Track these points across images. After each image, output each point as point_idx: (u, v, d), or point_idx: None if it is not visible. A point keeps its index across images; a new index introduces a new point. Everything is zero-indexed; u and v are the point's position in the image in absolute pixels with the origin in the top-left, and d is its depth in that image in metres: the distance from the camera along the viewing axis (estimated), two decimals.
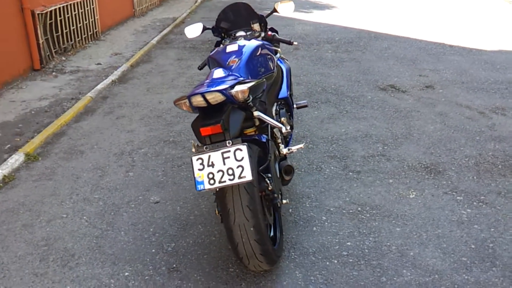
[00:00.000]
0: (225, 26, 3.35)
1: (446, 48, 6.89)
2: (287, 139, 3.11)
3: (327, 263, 2.49)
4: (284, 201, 2.54)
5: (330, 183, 3.28)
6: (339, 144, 3.87)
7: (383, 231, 2.74)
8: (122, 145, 3.95)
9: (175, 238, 2.72)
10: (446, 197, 3.08)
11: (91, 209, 3.03)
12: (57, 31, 6.61)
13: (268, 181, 2.30)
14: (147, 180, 3.37)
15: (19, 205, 3.08)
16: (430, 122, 4.28)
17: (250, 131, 2.60)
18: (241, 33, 3.31)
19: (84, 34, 7.51)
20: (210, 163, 1.99)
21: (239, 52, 2.81)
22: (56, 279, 2.41)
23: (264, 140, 2.51)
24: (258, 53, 2.86)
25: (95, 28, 7.92)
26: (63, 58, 6.64)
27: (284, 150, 2.77)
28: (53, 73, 6.00)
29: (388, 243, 2.64)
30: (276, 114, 2.94)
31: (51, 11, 6.36)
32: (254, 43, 2.88)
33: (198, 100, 2.03)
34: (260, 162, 2.42)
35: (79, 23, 7.28)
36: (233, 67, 2.74)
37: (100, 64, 6.50)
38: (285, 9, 3.39)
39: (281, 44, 3.46)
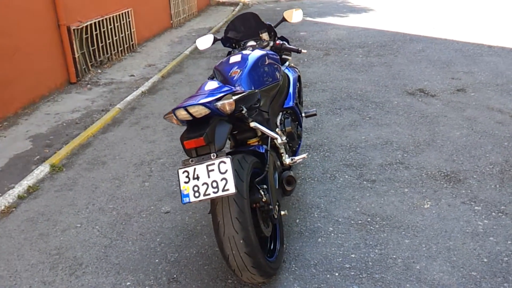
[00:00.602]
0: (234, 36, 3.37)
1: (484, 49, 6.57)
2: (294, 149, 3.08)
3: (328, 275, 2.43)
4: (282, 212, 2.51)
5: (342, 193, 3.20)
6: (357, 152, 3.78)
7: (391, 243, 2.65)
8: (142, 155, 4.05)
9: (179, 248, 2.75)
10: (463, 207, 2.93)
11: (104, 218, 3.13)
12: (93, 45, 6.89)
13: (263, 193, 2.28)
14: (161, 190, 3.43)
15: (39, 214, 3.22)
16: (456, 128, 4.09)
17: (253, 141, 2.60)
18: (251, 42, 3.32)
19: (120, 47, 7.78)
20: (195, 176, 2.01)
21: (242, 63, 2.82)
22: (55, 282, 2.50)
23: (262, 150, 2.50)
24: (261, 63, 2.85)
25: (131, 41, 8.19)
26: (99, 71, 6.91)
27: (287, 160, 2.75)
28: (88, 85, 6.26)
29: (394, 256, 2.54)
30: (280, 123, 2.92)
31: (86, 26, 6.64)
32: (257, 53, 2.88)
33: (182, 114, 2.05)
34: (258, 173, 2.41)
35: (115, 36, 7.55)
36: (235, 78, 2.75)
37: (133, 75, 6.71)
38: (294, 17, 3.38)
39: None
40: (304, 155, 2.83)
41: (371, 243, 2.66)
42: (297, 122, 3.17)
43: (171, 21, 10.42)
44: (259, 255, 2.14)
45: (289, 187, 2.65)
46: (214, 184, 1.98)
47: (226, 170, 1.99)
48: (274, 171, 2.55)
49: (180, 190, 2.03)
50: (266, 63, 2.91)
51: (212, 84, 2.31)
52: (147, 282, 2.49)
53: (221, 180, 1.98)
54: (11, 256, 2.79)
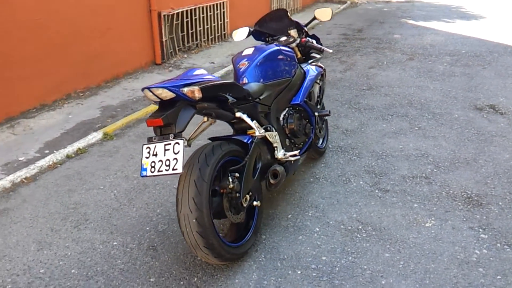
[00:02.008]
0: (265, 31, 3.45)
1: None
2: (298, 146, 3.09)
3: (289, 272, 2.45)
4: (255, 203, 2.57)
5: (348, 197, 3.13)
6: (385, 160, 3.64)
7: (369, 254, 2.56)
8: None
9: (171, 222, 2.95)
10: (468, 233, 2.70)
11: (125, 185, 3.45)
12: (182, 31, 7.39)
13: (231, 180, 2.37)
14: None
15: (76, 173, 3.66)
16: (509, 151, 3.71)
17: (251, 132, 2.69)
18: (283, 38, 3.38)
19: (211, 35, 8.21)
20: (154, 153, 2.17)
21: (251, 56, 2.91)
22: (63, 236, 2.85)
23: (246, 141, 2.58)
24: (271, 58, 2.92)
25: (224, 30, 8.59)
26: (185, 56, 7.41)
27: (279, 155, 2.78)
28: (170, 68, 6.76)
29: (365, 267, 2.46)
30: (283, 119, 2.95)
31: (178, 13, 7.15)
32: (268, 48, 2.95)
33: (148, 94, 2.21)
34: (237, 161, 2.51)
35: (207, 24, 7.99)
36: (241, 70, 2.87)
37: (213, 63, 7.07)
38: (323, 15, 3.38)
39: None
40: (295, 152, 2.85)
41: (349, 250, 2.60)
42: (306, 120, 3.16)
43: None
44: (212, 236, 2.24)
45: (273, 180, 2.69)
46: (167, 163, 2.13)
47: (178, 151, 2.12)
48: (258, 162, 2.61)
49: (141, 164, 2.21)
50: (278, 58, 2.96)
51: (197, 71, 2.44)
52: (130, 245, 2.73)
53: (173, 159, 2.12)
54: (39, 203, 3.23)
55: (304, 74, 3.21)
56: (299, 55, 3.37)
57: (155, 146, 2.18)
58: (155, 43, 6.76)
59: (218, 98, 2.43)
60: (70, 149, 4.02)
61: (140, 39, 6.51)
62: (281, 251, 2.61)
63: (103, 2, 5.70)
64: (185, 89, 2.18)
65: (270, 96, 2.85)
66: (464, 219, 2.84)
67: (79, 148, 4.05)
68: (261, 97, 2.77)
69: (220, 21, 8.42)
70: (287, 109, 3.00)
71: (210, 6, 7.97)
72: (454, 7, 11.89)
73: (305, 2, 12.64)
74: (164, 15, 6.82)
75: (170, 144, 2.15)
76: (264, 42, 3.49)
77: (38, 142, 4.23)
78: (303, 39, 3.33)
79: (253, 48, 3.02)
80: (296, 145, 3.07)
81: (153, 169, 2.16)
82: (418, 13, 10.87)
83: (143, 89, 2.21)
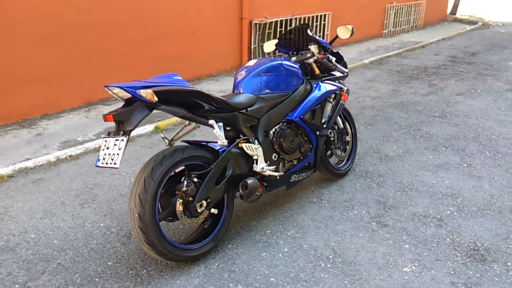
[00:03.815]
0: (286, 45, 3.42)
1: None
2: (292, 163, 3.01)
3: (231, 285, 2.41)
4: (212, 210, 2.58)
5: (338, 224, 2.96)
6: (405, 194, 3.33)
7: (320, 286, 2.40)
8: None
9: None
10: (445, 287, 2.37)
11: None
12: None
13: (186, 183, 2.43)
14: None
15: None
16: None
17: (243, 141, 2.73)
18: (306, 52, 3.33)
19: None
20: (107, 146, 2.33)
21: (251, 68, 2.94)
22: (67, 210, 3.18)
23: (217, 149, 2.62)
24: (270, 72, 2.91)
25: None
26: None
27: (257, 168, 2.75)
28: None
29: None
30: (274, 133, 2.90)
31: (271, 22, 7.32)
32: (269, 61, 2.94)
33: (108, 92, 2.36)
34: (204, 166, 2.56)
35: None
36: (238, 80, 2.92)
37: None
38: (343, 33, 3.27)
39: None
40: (272, 168, 2.79)
41: (302, 277, 2.47)
42: (304, 138, 3.05)
43: (383, 30, 10.26)
44: (152, 233, 2.33)
45: (243, 191, 2.67)
46: (112, 157, 2.27)
47: (121, 148, 2.25)
48: (227, 171, 2.62)
49: (98, 155, 2.39)
50: (277, 72, 2.93)
51: (168, 76, 2.53)
52: (112, 229, 2.95)
53: (116, 154, 2.26)
54: (67, 179, 3.64)
55: (310, 91, 3.11)
56: (316, 71, 3.27)
57: (109, 141, 2.34)
58: (243, 49, 7.03)
59: (193, 104, 2.50)
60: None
61: (227, 44, 6.83)
62: (236, 264, 2.58)
63: (191, 7, 6.13)
64: (141, 91, 2.30)
65: (261, 109, 2.83)
66: (452, 272, 2.48)
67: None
68: (249, 109, 2.77)
69: (319, 33, 8.38)
70: (280, 124, 2.94)
71: (309, 18, 8.00)
72: None
73: (429, 20, 11.88)
74: (256, 23, 7.04)
75: (118, 140, 2.29)
76: (288, 55, 3.46)
77: (100, 127, 4.74)
78: (320, 56, 3.23)
79: (256, 60, 3.03)
80: (286, 161, 2.99)
81: (103, 161, 2.32)
82: None
83: (104, 87, 2.39)
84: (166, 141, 2.68)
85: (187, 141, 2.66)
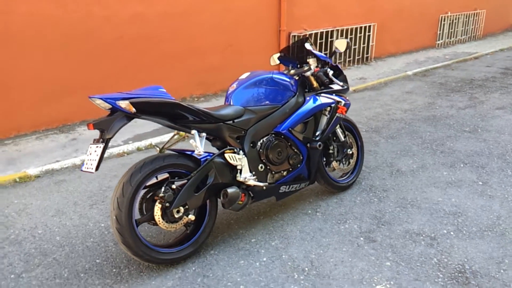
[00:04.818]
0: (287, 58, 3.46)
1: None
2: (281, 174, 3.04)
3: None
4: (191, 217, 2.68)
5: (325, 237, 2.95)
6: (405, 210, 3.24)
7: None
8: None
9: None
10: None
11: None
12: None
13: (163, 189, 2.56)
14: None
15: (131, 163, 4.27)
16: None
17: (228, 151, 2.84)
18: (307, 65, 3.37)
19: (349, 58, 8.15)
20: (90, 152, 2.51)
21: (242, 81, 3.03)
22: (77, 210, 3.43)
23: (200, 158, 2.73)
24: (260, 84, 2.98)
25: (366, 54, 8.41)
26: None
27: (240, 178, 2.82)
28: None
29: None
30: (261, 144, 2.95)
31: (311, 34, 7.36)
32: (260, 74, 3.01)
33: (92, 103, 2.53)
34: (186, 174, 2.69)
35: None
36: (228, 92, 3.03)
37: None
38: (340, 45, 3.28)
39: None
40: (255, 178, 2.84)
41: (271, 285, 2.49)
42: (295, 150, 3.07)
43: (437, 41, 9.89)
44: (128, 235, 2.48)
45: (223, 200, 2.76)
46: (92, 162, 2.45)
47: (98, 154, 2.43)
48: (209, 179, 2.72)
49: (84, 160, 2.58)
50: (267, 85, 2.99)
51: (152, 88, 2.66)
52: (111, 229, 3.15)
53: (94, 160, 2.43)
54: (86, 181, 3.92)
55: (302, 104, 3.13)
56: (314, 84, 3.29)
57: (92, 147, 2.53)
58: None
59: (178, 115, 2.63)
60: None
61: (264, 56, 6.89)
62: (212, 269, 2.66)
63: (230, 21, 6.33)
64: (120, 102, 2.46)
65: (249, 121, 2.90)
66: None
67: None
68: (236, 120, 2.85)
69: (363, 44, 8.28)
70: (268, 135, 2.99)
71: (351, 29, 7.93)
72: None
73: (490, 30, 11.28)
74: (294, 35, 7.11)
75: (98, 147, 2.47)
76: (290, 68, 3.50)
77: (130, 134, 5.03)
78: (316, 69, 3.25)
79: (249, 73, 3.11)
80: (274, 172, 3.02)
81: (85, 166, 2.51)
82: None
83: (89, 97, 2.57)
84: (157, 148, 2.83)
85: (173, 150, 2.79)
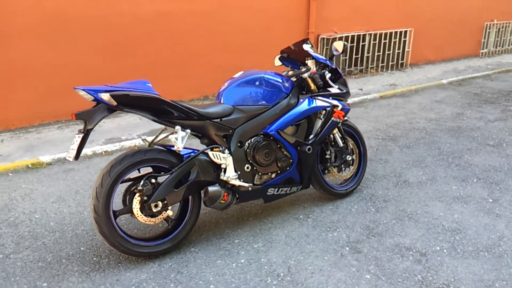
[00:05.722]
0: (287, 58, 3.40)
1: None
2: (269, 175, 2.99)
3: (172, 285, 2.50)
4: (169, 212, 2.68)
5: (310, 244, 2.87)
6: (401, 223, 3.10)
7: None
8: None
9: None
10: None
11: None
12: (345, 55, 7.41)
13: (142, 183, 2.58)
14: None
15: None
16: None
17: (216, 149, 2.84)
18: (305, 66, 3.30)
19: (383, 63, 7.93)
20: (74, 142, 2.57)
21: (234, 80, 3.01)
22: (76, 198, 3.53)
23: (183, 154, 2.74)
24: (250, 84, 2.94)
25: (402, 59, 8.15)
26: None
27: (224, 177, 2.80)
28: None
29: None
30: (249, 144, 2.91)
31: (341, 37, 7.22)
32: (252, 74, 2.98)
33: (78, 93, 2.58)
34: (169, 170, 2.70)
35: (378, 51, 7.76)
36: (220, 91, 3.01)
37: (361, 89, 6.89)
38: (338, 47, 3.16)
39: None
40: (237, 177, 2.80)
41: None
42: (284, 153, 3.00)
43: (481, 50, 9.45)
44: (104, 225, 2.51)
45: (204, 197, 2.75)
46: (72, 151, 2.51)
47: (77, 144, 2.48)
48: (190, 176, 2.72)
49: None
50: (258, 85, 2.95)
51: (138, 82, 2.68)
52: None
53: (72, 149, 2.49)
54: (92, 171, 4.03)
55: (295, 105, 3.05)
56: (312, 86, 3.20)
57: (76, 137, 2.58)
58: None
59: (164, 110, 2.65)
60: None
61: None
62: (188, 266, 2.66)
63: (260, 23, 6.32)
64: (102, 94, 2.50)
65: (237, 120, 2.87)
66: None
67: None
68: (224, 119, 2.84)
69: (398, 49, 8.04)
70: (256, 136, 2.94)
71: (386, 34, 7.71)
72: None
73: None
74: (323, 38, 7.01)
75: (79, 137, 2.53)
76: (290, 69, 3.44)
77: (147, 128, 5.13)
78: (313, 71, 3.17)
79: (242, 72, 3.08)
80: (262, 174, 2.97)
81: (68, 154, 2.57)
82: None
83: (74, 88, 2.62)
84: (146, 142, 2.86)
85: (160, 145, 2.81)
